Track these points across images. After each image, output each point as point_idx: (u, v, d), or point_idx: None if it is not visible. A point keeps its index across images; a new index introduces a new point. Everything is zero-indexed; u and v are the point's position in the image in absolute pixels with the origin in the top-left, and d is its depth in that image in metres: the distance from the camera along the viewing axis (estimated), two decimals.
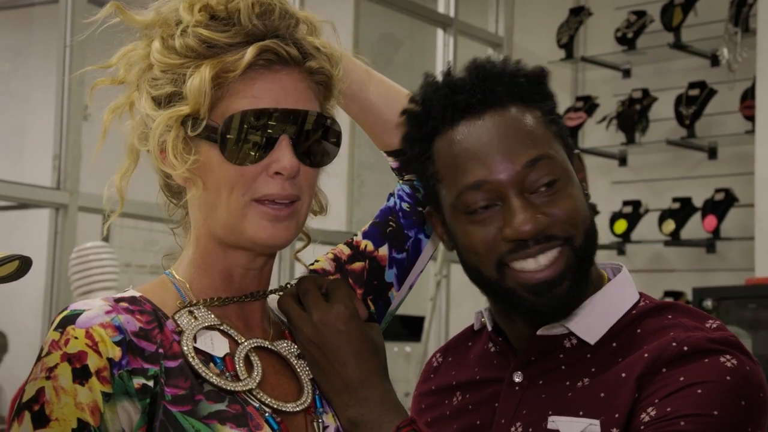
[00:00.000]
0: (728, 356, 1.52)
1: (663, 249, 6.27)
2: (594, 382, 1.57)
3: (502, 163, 1.56)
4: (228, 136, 1.47)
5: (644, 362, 1.53)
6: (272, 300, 1.65)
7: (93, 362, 1.41)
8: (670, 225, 6.05)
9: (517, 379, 1.64)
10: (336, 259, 1.74)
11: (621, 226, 6.26)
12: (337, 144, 1.55)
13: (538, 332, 1.62)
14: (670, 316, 1.60)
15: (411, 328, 6.12)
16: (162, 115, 1.48)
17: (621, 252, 6.34)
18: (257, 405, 1.49)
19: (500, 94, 1.59)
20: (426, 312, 5.99)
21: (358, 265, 1.73)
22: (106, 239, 5.88)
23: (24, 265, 1.36)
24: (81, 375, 1.40)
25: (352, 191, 6.21)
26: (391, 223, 1.75)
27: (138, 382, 1.43)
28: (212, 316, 1.54)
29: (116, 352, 1.43)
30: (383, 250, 1.74)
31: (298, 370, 1.58)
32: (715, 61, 5.99)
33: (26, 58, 7.35)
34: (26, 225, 6.29)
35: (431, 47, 6.66)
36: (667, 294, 6.00)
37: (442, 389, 1.77)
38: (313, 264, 1.73)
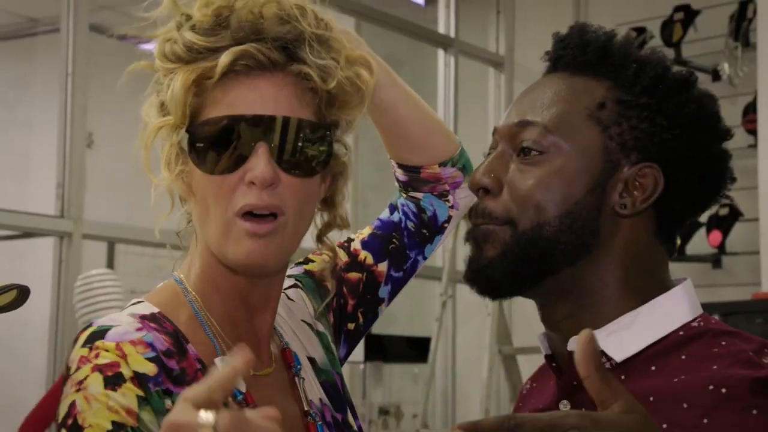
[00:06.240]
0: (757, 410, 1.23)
1: (669, 265, 6.23)
2: None
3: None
4: (197, 144, 1.44)
5: (674, 407, 1.27)
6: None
7: (126, 371, 1.35)
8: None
9: (563, 409, 1.42)
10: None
11: None
12: (326, 153, 1.46)
13: (568, 347, 1.39)
14: (723, 343, 1.33)
15: (418, 349, 6.15)
16: (153, 123, 1.46)
17: None
18: None
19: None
20: (432, 333, 6.00)
21: (354, 276, 1.70)
22: (110, 266, 6.22)
23: (22, 294, 1.35)
24: (113, 381, 1.34)
25: (356, 213, 6.07)
26: (394, 240, 1.72)
27: (169, 404, 1.35)
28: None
29: (150, 368, 1.36)
30: (382, 266, 1.71)
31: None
32: (716, 76, 5.99)
33: (29, 87, 7.38)
34: (31, 253, 6.24)
35: (432, 67, 6.70)
36: None
37: None
38: (306, 264, 1.70)
